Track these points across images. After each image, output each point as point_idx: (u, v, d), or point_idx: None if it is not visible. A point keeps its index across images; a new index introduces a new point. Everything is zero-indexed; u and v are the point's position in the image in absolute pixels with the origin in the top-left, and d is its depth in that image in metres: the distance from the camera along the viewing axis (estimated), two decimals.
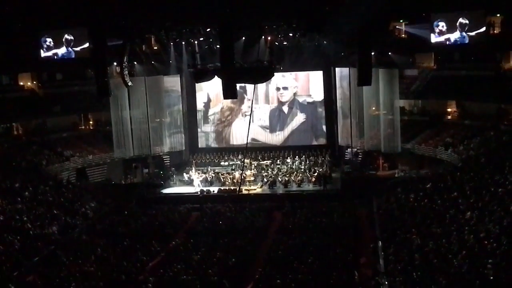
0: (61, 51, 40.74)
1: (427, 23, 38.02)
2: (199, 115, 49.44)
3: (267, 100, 48.26)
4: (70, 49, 40.55)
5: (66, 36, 40.42)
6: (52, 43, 40.64)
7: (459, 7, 37.20)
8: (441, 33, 37.39)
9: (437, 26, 37.34)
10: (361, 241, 30.41)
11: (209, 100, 48.81)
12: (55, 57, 40.86)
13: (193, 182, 41.63)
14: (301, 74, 47.40)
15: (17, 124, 44.84)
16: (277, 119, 48.23)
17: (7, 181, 35.86)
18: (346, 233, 30.70)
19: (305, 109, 47.76)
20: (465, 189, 29.71)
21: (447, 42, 37.57)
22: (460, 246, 23.38)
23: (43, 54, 40.86)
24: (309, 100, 47.63)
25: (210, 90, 47.47)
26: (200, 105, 49.15)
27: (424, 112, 44.54)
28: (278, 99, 48.10)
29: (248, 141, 39.81)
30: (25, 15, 38.24)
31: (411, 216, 29.93)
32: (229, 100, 44.63)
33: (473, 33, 36.97)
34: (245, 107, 48.20)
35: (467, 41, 37.08)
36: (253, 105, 41.09)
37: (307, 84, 47.64)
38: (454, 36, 37.22)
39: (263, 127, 48.41)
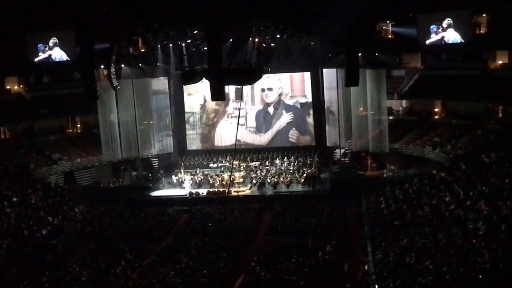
0: (55, 53, 40.57)
1: (414, 24, 38.25)
2: (195, 117, 49.24)
3: (252, 102, 48.16)
4: (62, 51, 40.38)
5: (54, 39, 40.30)
6: (46, 46, 40.48)
7: (445, 7, 37.42)
8: (436, 33, 37.61)
9: (432, 26, 37.57)
10: (350, 241, 30.48)
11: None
12: (49, 60, 40.59)
13: (185, 183, 41.53)
14: (289, 75, 47.35)
15: (4, 127, 44.55)
16: (263, 120, 48.19)
17: None
18: (335, 233, 30.73)
19: (291, 110, 47.70)
20: (453, 188, 29.86)
21: (442, 42, 37.74)
22: (449, 245, 23.47)
23: (37, 58, 40.60)
24: (297, 101, 47.56)
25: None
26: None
27: (411, 112, 44.73)
28: (263, 100, 48.03)
29: (234, 143, 39.69)
30: (12, 18, 38.02)
31: (399, 215, 30.03)
32: (213, 102, 44.64)
33: (459, 33, 37.27)
34: (230, 108, 48.06)
35: (458, 40, 37.37)
36: (241, 106, 41.13)
37: (295, 85, 47.59)
38: (448, 35, 37.48)
39: (249, 128, 48.32)
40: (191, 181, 41.87)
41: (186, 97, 48.59)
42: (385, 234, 28.21)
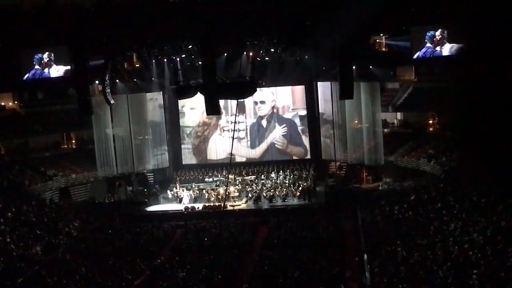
0: (50, 70, 40.55)
1: (408, 36, 38.42)
2: (192, 131, 49.15)
3: (244, 114, 48.11)
4: (57, 67, 40.33)
5: (49, 54, 40.27)
6: (40, 62, 40.44)
7: (438, 20, 37.61)
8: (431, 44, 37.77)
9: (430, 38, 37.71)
10: (346, 254, 30.45)
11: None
12: (44, 76, 40.56)
13: (183, 199, 41.50)
14: (283, 89, 47.41)
15: None
16: (256, 133, 48.18)
17: None
18: (331, 247, 30.73)
19: (284, 123, 47.72)
20: (448, 200, 29.87)
21: (435, 54, 37.89)
22: (445, 257, 23.46)
23: (31, 74, 40.63)
24: (296, 113, 47.59)
25: None
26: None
27: (406, 124, 44.82)
28: (256, 113, 48.09)
29: (227, 156, 39.60)
30: (5, 35, 38.09)
31: (395, 228, 30.02)
32: (204, 115, 44.70)
33: (452, 46, 37.41)
34: (223, 122, 48.11)
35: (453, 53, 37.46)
36: (236, 119, 41.17)
37: (296, 98, 47.63)
38: (443, 48, 37.65)
39: (242, 142, 48.28)
40: (189, 196, 41.72)
41: (188, 112, 48.33)
42: (381, 246, 28.18)
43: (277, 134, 47.66)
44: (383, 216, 33.05)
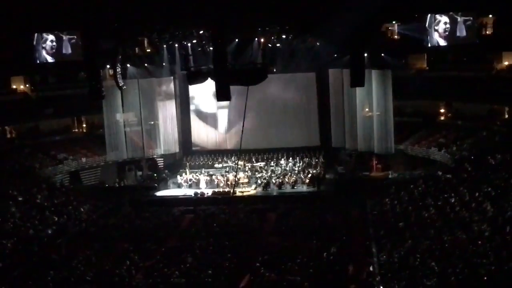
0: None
1: (420, 24, 38.16)
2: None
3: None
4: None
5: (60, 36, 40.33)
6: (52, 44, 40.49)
7: (451, 8, 37.34)
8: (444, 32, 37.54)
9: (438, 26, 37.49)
10: (354, 242, 30.44)
11: None
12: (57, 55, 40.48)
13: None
14: (294, 76, 47.22)
15: (10, 127, 44.74)
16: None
17: (0, 184, 35.73)
18: (340, 234, 30.71)
19: (297, 111, 47.64)
20: (458, 189, 29.81)
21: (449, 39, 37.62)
22: (454, 246, 23.44)
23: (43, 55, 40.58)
24: (302, 102, 47.47)
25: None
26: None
27: (417, 113, 44.58)
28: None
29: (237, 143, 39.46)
30: (18, 18, 38.12)
31: (404, 216, 29.99)
32: None
33: (465, 34, 37.21)
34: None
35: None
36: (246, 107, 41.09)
37: (300, 86, 47.47)
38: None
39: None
40: (205, 181, 41.95)
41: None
42: (389, 235, 28.18)
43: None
44: (392, 205, 33.03)
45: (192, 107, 48.80)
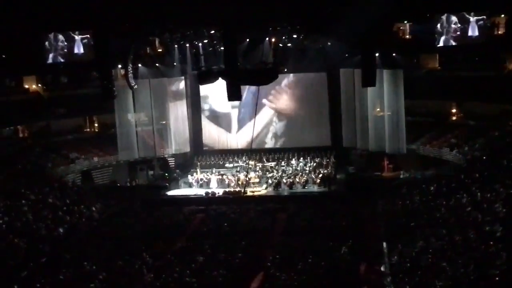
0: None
1: (432, 24, 37.96)
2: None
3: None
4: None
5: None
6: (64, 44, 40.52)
7: (463, 8, 37.14)
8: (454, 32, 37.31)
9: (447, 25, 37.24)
10: (366, 242, 30.38)
11: None
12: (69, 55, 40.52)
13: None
14: (305, 76, 47.20)
15: (22, 127, 44.98)
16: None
17: (12, 183, 35.93)
18: (351, 235, 30.66)
19: (308, 111, 47.62)
20: (470, 189, 29.67)
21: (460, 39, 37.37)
22: (465, 247, 23.34)
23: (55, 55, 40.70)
24: (313, 101, 47.42)
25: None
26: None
27: (428, 113, 44.41)
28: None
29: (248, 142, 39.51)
30: (29, 18, 38.25)
31: (416, 217, 29.90)
32: None
33: (477, 34, 36.97)
34: None
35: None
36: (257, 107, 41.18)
37: (311, 85, 47.43)
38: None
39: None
40: (217, 180, 42.19)
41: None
42: (401, 235, 28.11)
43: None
44: (403, 205, 32.94)
45: (203, 107, 48.86)
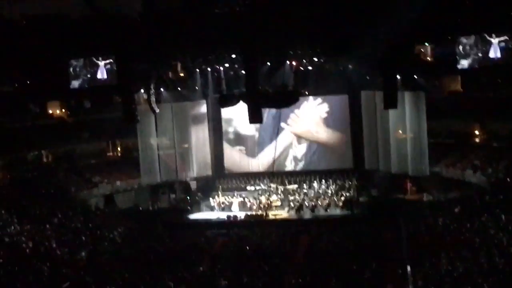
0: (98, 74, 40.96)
1: (453, 46, 37.82)
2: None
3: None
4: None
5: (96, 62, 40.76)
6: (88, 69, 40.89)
7: (485, 29, 36.96)
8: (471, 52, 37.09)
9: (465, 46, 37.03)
10: (389, 266, 30.07)
11: None
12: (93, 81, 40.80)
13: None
14: (327, 98, 47.17)
15: (46, 151, 45.41)
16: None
17: (36, 207, 36.24)
18: (374, 258, 30.38)
19: (330, 133, 47.53)
20: (494, 212, 29.32)
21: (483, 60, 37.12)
22: (491, 270, 23.02)
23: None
24: (335, 124, 47.35)
25: None
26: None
27: (451, 134, 44.06)
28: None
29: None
30: (52, 44, 38.82)
31: (440, 240, 29.57)
32: None
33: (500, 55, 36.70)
34: None
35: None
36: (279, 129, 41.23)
37: (333, 108, 47.41)
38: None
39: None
40: (238, 204, 42.22)
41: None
42: (425, 259, 27.79)
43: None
44: (427, 228, 32.62)
45: (226, 129, 49.02)
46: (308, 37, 35.80)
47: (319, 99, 47.05)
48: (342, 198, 41.16)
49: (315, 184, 44.63)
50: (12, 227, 32.84)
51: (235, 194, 44.32)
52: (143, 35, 36.02)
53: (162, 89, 43.83)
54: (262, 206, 41.15)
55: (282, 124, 46.49)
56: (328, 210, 40.44)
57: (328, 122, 47.38)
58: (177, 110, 46.17)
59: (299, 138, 47.80)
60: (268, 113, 45.29)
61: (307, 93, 44.00)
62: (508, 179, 34.23)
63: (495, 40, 36.30)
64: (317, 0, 34.30)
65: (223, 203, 42.57)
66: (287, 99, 35.58)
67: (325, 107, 47.26)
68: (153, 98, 40.38)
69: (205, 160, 48.20)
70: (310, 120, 47.45)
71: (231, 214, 40.63)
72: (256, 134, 48.24)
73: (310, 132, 47.61)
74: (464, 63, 36.68)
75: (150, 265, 31.40)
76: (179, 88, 45.36)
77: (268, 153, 47.05)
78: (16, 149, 43.44)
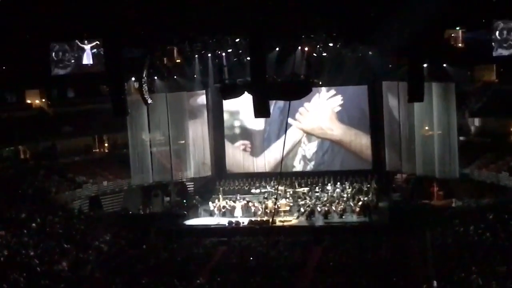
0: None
1: (489, 31, 37.72)
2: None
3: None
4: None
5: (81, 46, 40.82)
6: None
7: None
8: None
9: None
10: (412, 281, 30.07)
11: None
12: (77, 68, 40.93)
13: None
14: (343, 89, 47.09)
15: (24, 146, 45.45)
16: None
17: (12, 210, 36.28)
18: (395, 272, 30.38)
19: (346, 130, 47.53)
20: None
21: None
22: None
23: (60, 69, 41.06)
24: (352, 119, 47.28)
25: None
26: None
27: (484, 132, 43.97)
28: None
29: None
30: (32, 26, 38.79)
31: (470, 252, 29.54)
32: None
33: None
34: None
35: None
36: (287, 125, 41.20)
37: (350, 101, 47.30)
38: None
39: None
40: (242, 208, 42.18)
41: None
42: (453, 273, 27.77)
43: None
44: (456, 238, 32.58)
45: (226, 124, 49.00)
46: (323, 19, 35.74)
47: (333, 91, 47.01)
48: (359, 203, 41.08)
49: (329, 187, 44.60)
50: None
51: (238, 198, 44.25)
52: (135, 15, 35.97)
53: (155, 78, 43.86)
54: (268, 211, 41.09)
55: (289, 120, 46.45)
56: (343, 217, 40.37)
57: (343, 117, 47.29)
58: (173, 101, 46.12)
59: (309, 135, 47.71)
60: (274, 106, 45.23)
61: (320, 83, 43.81)
62: None
63: None
64: None
65: (224, 207, 42.51)
66: (298, 89, 35.39)
67: (338, 100, 47.15)
68: (145, 88, 40.40)
69: (203, 158, 48.20)
70: (322, 115, 47.37)
71: (233, 220, 40.62)
72: (262, 130, 48.19)
73: (321, 129, 47.58)
74: (501, 51, 36.66)
75: (141, 277, 31.42)
76: (175, 77, 45.33)
77: (274, 152, 47.09)
78: None
